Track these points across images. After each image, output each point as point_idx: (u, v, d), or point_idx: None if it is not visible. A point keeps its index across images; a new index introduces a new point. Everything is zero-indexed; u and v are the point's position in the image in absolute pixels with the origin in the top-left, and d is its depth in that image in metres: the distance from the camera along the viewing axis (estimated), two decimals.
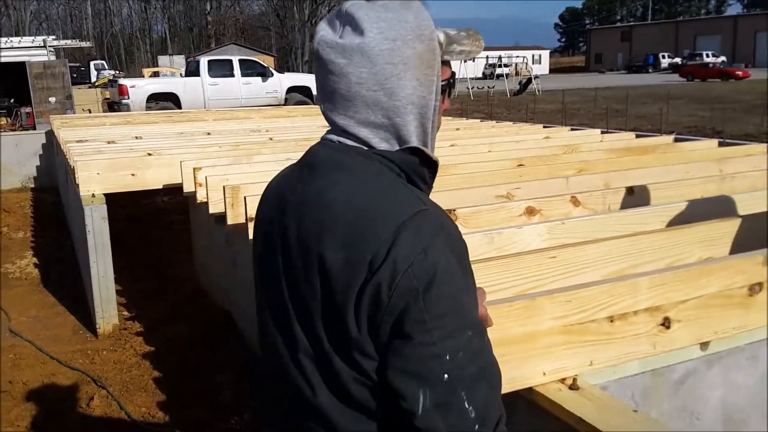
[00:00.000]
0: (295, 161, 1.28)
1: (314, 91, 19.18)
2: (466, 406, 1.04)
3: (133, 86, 17.70)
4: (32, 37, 14.83)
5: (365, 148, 1.15)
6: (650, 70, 59.24)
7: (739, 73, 40.52)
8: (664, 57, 61.48)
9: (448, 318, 1.03)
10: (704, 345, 2.22)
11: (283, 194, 1.20)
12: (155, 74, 26.34)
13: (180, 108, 16.86)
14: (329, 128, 1.21)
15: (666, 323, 2.15)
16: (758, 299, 2.30)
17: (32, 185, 12.18)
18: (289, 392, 1.17)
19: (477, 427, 1.05)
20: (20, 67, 13.86)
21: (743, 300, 2.28)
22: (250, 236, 2.53)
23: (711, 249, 2.73)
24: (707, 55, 52.87)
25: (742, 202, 3.48)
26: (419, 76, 1.12)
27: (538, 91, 28.80)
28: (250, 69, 18.53)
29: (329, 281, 1.06)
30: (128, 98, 17.19)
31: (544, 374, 1.99)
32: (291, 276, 1.14)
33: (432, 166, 1.22)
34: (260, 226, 1.27)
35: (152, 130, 9.22)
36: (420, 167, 1.19)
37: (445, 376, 1.03)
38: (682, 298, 2.17)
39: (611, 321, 2.07)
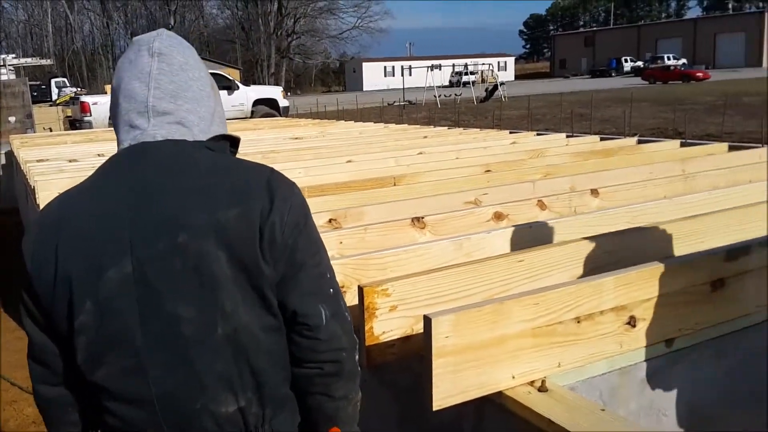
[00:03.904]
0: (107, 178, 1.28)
1: (281, 104, 19.17)
2: (346, 313, 1.30)
3: (95, 103, 17.41)
4: None
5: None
6: (613, 74, 60.20)
7: (700, 74, 41.40)
8: (626, 61, 62.57)
9: (319, 243, 1.29)
10: (669, 342, 2.25)
11: (116, 201, 1.21)
12: None
13: None
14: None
15: (632, 322, 2.18)
16: (720, 295, 2.35)
17: None
18: (192, 383, 1.19)
19: (352, 327, 1.32)
20: None
21: (706, 296, 2.32)
22: None
23: (676, 247, 2.78)
24: (668, 58, 53.96)
25: (704, 200, 3.56)
26: None
27: (505, 97, 29.08)
28: (216, 82, 18.39)
29: (230, 239, 1.17)
30: (90, 116, 16.90)
31: (514, 377, 2.00)
32: (164, 264, 1.17)
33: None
34: (80, 247, 1.20)
35: (115, 147, 9.05)
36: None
37: (331, 290, 1.28)
38: (646, 297, 2.20)
39: (578, 322, 2.09)
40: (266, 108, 18.64)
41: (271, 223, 1.19)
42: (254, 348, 1.22)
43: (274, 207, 1.20)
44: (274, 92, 19.53)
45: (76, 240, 1.20)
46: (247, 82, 26.68)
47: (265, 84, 37.45)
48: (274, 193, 1.22)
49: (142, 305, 1.18)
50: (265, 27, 58.88)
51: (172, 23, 61.67)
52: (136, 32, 69.59)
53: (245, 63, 61.08)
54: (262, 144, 8.40)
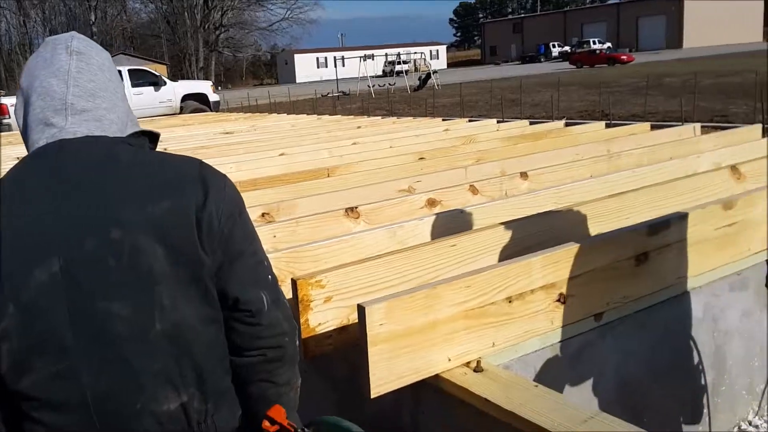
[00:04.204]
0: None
1: (211, 98, 18.78)
2: (285, 300, 1.31)
3: (14, 105, 16.69)
4: None
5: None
6: (542, 60, 61.48)
7: (624, 57, 42.66)
8: (554, 46, 63.95)
9: (254, 232, 1.29)
10: (598, 316, 2.33)
11: (37, 200, 1.17)
12: None
13: None
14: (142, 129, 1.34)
15: (561, 299, 2.23)
16: (645, 268, 2.43)
17: None
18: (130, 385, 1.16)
19: (291, 313, 1.33)
20: None
21: (631, 270, 2.40)
22: None
23: (599, 225, 2.86)
24: (594, 42, 55.39)
25: (627, 178, 3.68)
26: None
27: (438, 85, 29.31)
28: (141, 79, 17.83)
29: (166, 232, 1.15)
30: (9, 117, 16.16)
31: (449, 360, 2.03)
32: (95, 261, 1.13)
33: None
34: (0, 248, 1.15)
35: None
36: None
37: (269, 277, 1.29)
38: (574, 274, 2.26)
39: (509, 302, 2.13)
40: (196, 103, 18.22)
41: (208, 213, 1.19)
42: (194, 342, 1.20)
43: (209, 197, 1.20)
44: (204, 87, 19.12)
45: None
46: (175, 78, 26.08)
47: (194, 79, 36.63)
48: (208, 184, 1.21)
49: (71, 305, 1.13)
50: (191, 20, 57.46)
51: (93, 19, 59.46)
52: (56, 30, 66.81)
53: (172, 58, 59.52)
54: (192, 140, 8.22)
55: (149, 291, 1.15)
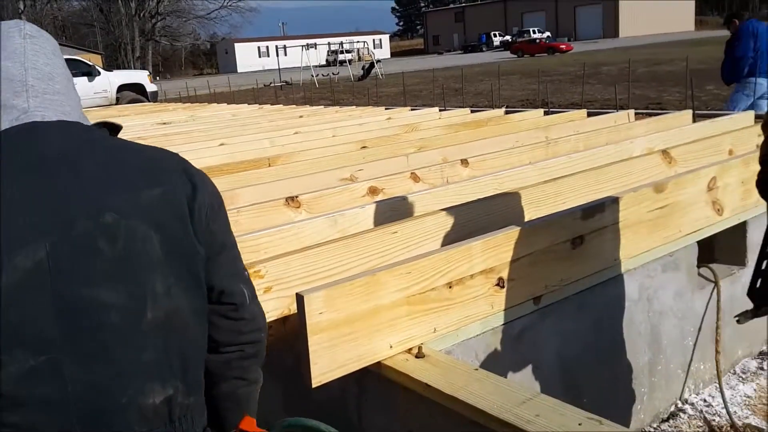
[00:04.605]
0: None
1: (148, 88, 18.30)
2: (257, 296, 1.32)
3: None
4: None
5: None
6: (484, 49, 62.18)
7: (563, 46, 43.58)
8: (496, 36, 64.77)
9: (229, 226, 1.28)
10: (537, 300, 2.37)
11: (15, 184, 1.08)
12: None
13: None
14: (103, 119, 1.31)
15: (500, 283, 2.26)
16: (581, 251, 2.49)
17: None
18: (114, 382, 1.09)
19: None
20: None
21: (568, 253, 2.45)
22: None
23: (537, 210, 2.91)
24: (534, 32, 56.37)
25: (564, 164, 3.75)
26: None
27: (381, 75, 29.32)
28: (74, 69, 17.10)
29: (160, 219, 1.12)
30: None
31: (391, 347, 2.03)
32: (85, 246, 1.07)
33: None
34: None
35: None
36: None
37: (245, 273, 1.29)
38: (513, 258, 2.29)
39: (450, 287, 2.15)
40: (132, 93, 17.72)
41: (199, 205, 1.18)
42: (183, 332, 1.16)
43: (197, 190, 1.19)
44: (140, 77, 18.60)
45: None
46: (110, 68, 25.29)
47: (130, 69, 35.53)
48: (193, 176, 1.20)
49: (57, 294, 1.05)
50: (125, 9, 55.72)
51: (22, 8, 56.93)
52: None
53: (107, 47, 57.70)
54: (128, 131, 7.99)
55: (143, 278, 1.10)
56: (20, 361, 1.05)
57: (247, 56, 69.51)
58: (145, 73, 19.84)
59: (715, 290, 3.01)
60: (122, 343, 1.09)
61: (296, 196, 3.32)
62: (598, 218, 2.54)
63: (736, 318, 2.05)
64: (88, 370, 1.07)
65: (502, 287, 2.27)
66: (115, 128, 1.27)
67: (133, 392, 1.10)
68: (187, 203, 1.16)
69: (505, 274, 2.27)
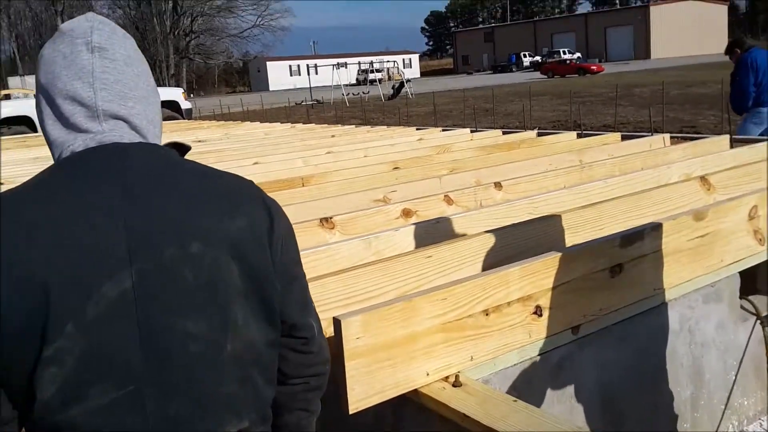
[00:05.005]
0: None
1: (183, 106, 18.54)
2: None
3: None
4: None
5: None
6: (514, 69, 62.24)
7: (594, 67, 43.40)
8: (525, 56, 64.80)
9: (299, 256, 1.27)
10: (575, 329, 2.33)
11: (101, 207, 1.05)
12: (6, 97, 24.44)
13: (35, 132, 15.74)
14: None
15: (538, 311, 2.23)
16: (620, 280, 2.44)
17: None
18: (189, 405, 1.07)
19: None
20: None
21: (606, 282, 2.41)
22: None
23: (575, 236, 2.87)
24: (564, 53, 56.26)
25: (600, 189, 3.71)
26: None
27: (411, 94, 29.44)
28: None
29: (243, 250, 1.11)
30: None
31: (428, 374, 2.01)
32: (171, 275, 1.05)
33: None
34: (61, 257, 1.02)
35: (4, 157, 8.55)
36: None
37: (313, 304, 1.28)
38: (551, 285, 2.26)
39: (487, 314, 2.12)
40: (167, 111, 17.97)
41: (276, 236, 1.16)
42: (258, 364, 1.15)
43: (274, 220, 1.17)
44: (175, 94, 18.89)
45: (56, 249, 1.01)
46: None
47: (165, 86, 36.12)
48: (270, 205, 1.19)
49: (143, 324, 1.03)
50: (161, 27, 56.98)
51: (60, 24, 58.58)
52: (22, 35, 65.68)
53: None
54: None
55: (225, 309, 1.08)
56: (103, 393, 1.03)
57: (279, 74, 70.41)
58: (180, 90, 20.18)
59: (758, 323, 2.93)
60: (204, 374, 1.08)
61: (330, 217, 3.33)
62: (637, 246, 2.49)
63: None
64: (169, 400, 1.06)
65: (540, 315, 2.24)
66: (184, 149, 1.24)
67: (212, 424, 1.09)
68: (267, 235, 1.15)
69: (542, 302, 2.24)
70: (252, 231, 1.13)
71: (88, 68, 1.12)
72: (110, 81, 1.14)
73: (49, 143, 1.15)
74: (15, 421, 1.06)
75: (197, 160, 1.23)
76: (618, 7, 78.88)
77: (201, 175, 1.16)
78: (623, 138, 6.19)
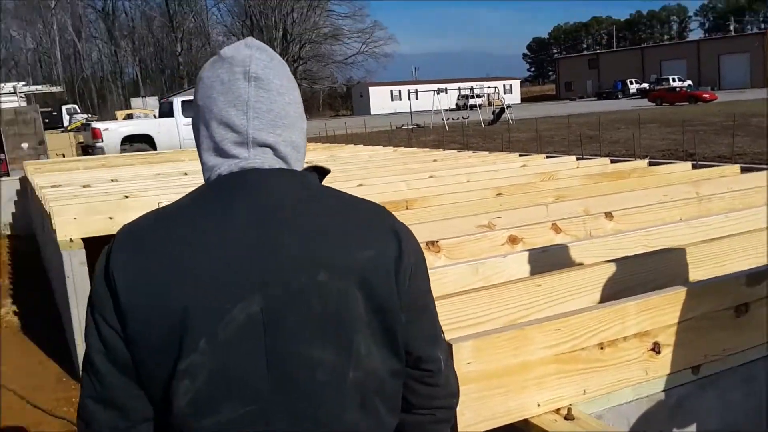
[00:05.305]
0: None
1: None
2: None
3: (106, 129, 17.58)
4: (2, 84, 14.72)
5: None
6: (619, 96, 60.39)
7: (706, 96, 41.48)
8: (632, 83, 62.77)
9: (429, 284, 1.26)
10: (696, 369, 2.21)
11: (237, 232, 1.11)
12: (129, 116, 26.22)
13: (155, 149, 16.76)
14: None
15: (656, 348, 2.14)
16: (746, 320, 2.31)
17: (8, 232, 11.94)
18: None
19: None
20: None
21: (731, 321, 2.28)
22: None
23: (694, 271, 2.74)
24: (674, 80, 54.14)
25: (720, 223, 3.53)
26: None
27: (512, 120, 29.18)
28: None
29: (369, 281, 1.12)
30: (102, 141, 17.07)
31: (539, 405, 1.97)
32: (300, 303, 1.09)
33: None
34: (198, 277, 1.09)
35: (128, 172, 9.15)
36: None
37: (442, 335, 1.27)
38: (670, 322, 2.16)
39: (601, 348, 2.06)
40: None
41: (405, 267, 1.16)
42: (380, 393, 1.16)
43: (403, 249, 1.16)
44: None
45: (193, 270, 1.08)
46: None
47: None
48: (400, 234, 1.18)
49: (270, 347, 1.08)
50: (273, 49, 59.60)
51: (180, 50, 62.35)
52: (144, 60, 70.32)
53: None
54: None
55: (349, 338, 1.11)
56: (233, 409, 1.08)
57: (381, 99, 71.67)
58: None
59: None
60: (327, 401, 1.11)
61: (436, 241, 3.34)
62: (765, 285, 2.35)
63: None
64: (292, 424, 1.10)
65: (658, 353, 2.15)
66: (324, 172, 1.27)
67: None
68: (394, 265, 1.15)
69: (661, 339, 2.15)
70: (380, 261, 1.14)
71: (243, 97, 1.17)
72: (263, 110, 1.18)
73: (201, 164, 1.22)
74: (151, 422, 1.15)
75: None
76: (733, 33, 75.23)
77: (336, 203, 1.19)
78: (743, 170, 5.87)
